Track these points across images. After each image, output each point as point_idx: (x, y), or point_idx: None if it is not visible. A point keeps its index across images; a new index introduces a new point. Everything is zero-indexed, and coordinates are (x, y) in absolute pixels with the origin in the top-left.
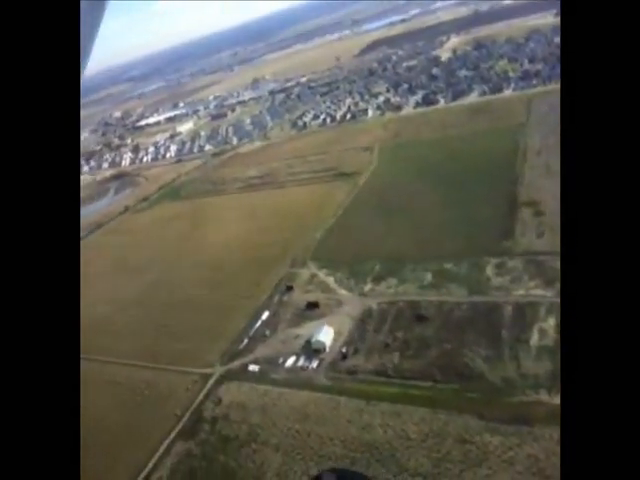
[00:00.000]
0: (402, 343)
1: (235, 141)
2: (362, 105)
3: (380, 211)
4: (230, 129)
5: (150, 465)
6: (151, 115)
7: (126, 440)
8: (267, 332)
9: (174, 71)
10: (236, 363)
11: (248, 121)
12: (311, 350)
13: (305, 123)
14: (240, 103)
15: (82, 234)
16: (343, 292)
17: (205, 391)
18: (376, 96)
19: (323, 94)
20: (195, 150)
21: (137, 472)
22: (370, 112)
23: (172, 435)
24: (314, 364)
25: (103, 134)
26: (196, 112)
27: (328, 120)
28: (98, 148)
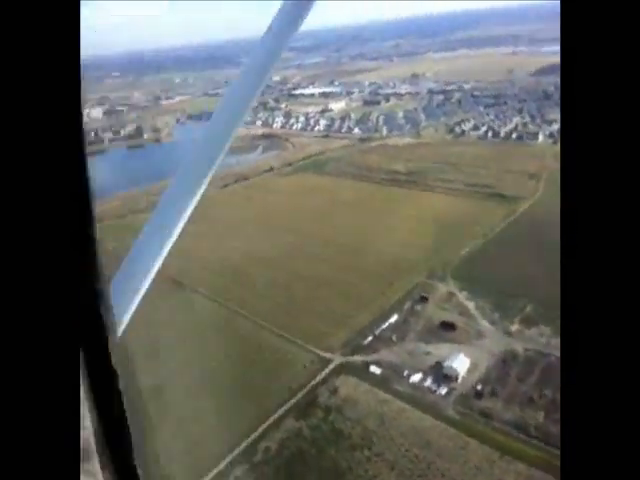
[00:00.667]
0: (550, 403)
1: (385, 131)
2: (532, 128)
3: (539, 246)
4: (381, 118)
5: (259, 431)
6: (307, 86)
7: (235, 398)
8: (394, 337)
9: (335, 50)
10: (357, 358)
11: (401, 114)
12: (441, 374)
13: (463, 131)
14: (395, 95)
15: (227, 181)
16: (485, 323)
17: (323, 375)
18: (550, 123)
19: (487, 106)
20: (343, 130)
21: (245, 435)
22: (540, 137)
23: (284, 408)
24: (443, 390)
25: (261, 93)
26: (350, 94)
27: (490, 134)
28: (254, 105)
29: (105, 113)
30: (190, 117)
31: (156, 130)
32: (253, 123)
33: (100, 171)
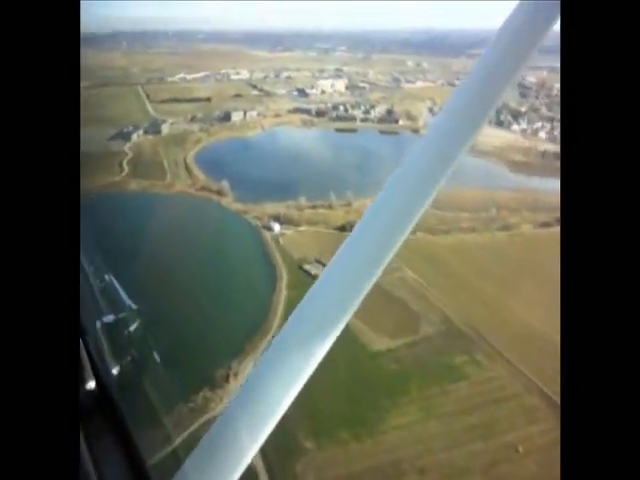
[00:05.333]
0: None
1: None
2: None
3: None
4: None
5: None
6: None
7: None
8: None
9: None
10: None
11: None
12: None
13: None
14: None
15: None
16: None
17: None
18: None
19: None
20: None
21: None
22: None
23: None
24: None
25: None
26: None
27: None
28: (523, 110)
29: (347, 88)
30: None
31: (411, 118)
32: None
33: (362, 156)
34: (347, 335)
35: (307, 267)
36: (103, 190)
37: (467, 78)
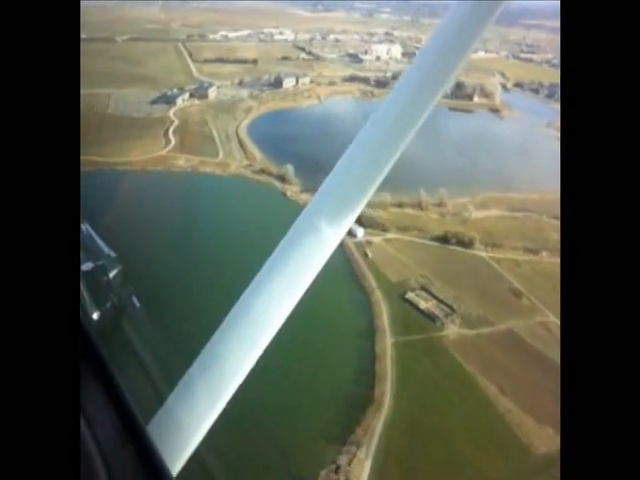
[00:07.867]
0: None
1: None
2: None
3: None
4: None
5: None
6: None
7: None
8: None
9: None
10: None
11: None
12: None
13: None
14: None
15: None
16: None
17: None
18: None
19: None
20: None
21: None
22: None
23: None
24: None
25: None
26: None
27: None
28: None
29: (404, 55)
30: (518, 85)
31: (486, 94)
32: None
33: (441, 140)
34: (500, 427)
35: (411, 297)
36: (147, 165)
37: (423, 49)
